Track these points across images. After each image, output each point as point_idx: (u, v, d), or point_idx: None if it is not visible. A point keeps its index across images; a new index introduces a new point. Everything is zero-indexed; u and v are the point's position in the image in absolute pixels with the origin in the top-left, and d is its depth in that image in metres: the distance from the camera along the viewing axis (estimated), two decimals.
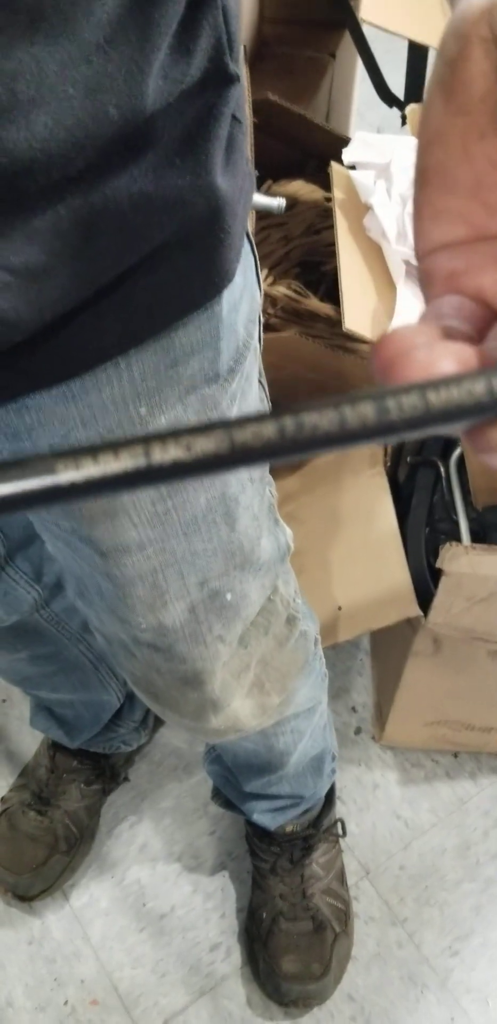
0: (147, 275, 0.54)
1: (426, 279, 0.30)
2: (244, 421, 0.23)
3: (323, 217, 1.24)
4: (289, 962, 1.12)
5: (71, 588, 0.79)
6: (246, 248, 0.62)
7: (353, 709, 1.36)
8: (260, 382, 0.71)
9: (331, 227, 1.03)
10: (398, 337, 0.25)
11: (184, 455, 0.23)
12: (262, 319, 0.71)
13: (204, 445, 0.23)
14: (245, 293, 0.63)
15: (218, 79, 0.51)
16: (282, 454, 0.23)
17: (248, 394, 0.67)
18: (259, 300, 0.67)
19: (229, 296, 0.60)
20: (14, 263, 0.47)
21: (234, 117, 0.55)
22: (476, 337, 0.28)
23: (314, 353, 1.07)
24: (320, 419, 0.23)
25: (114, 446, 0.23)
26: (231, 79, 0.52)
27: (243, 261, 0.61)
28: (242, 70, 0.56)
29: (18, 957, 1.18)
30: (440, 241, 0.30)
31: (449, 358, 0.24)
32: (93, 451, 0.23)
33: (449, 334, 0.27)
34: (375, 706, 1.35)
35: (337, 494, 1.17)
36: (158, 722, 1.30)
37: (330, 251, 1.06)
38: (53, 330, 0.53)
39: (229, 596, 0.74)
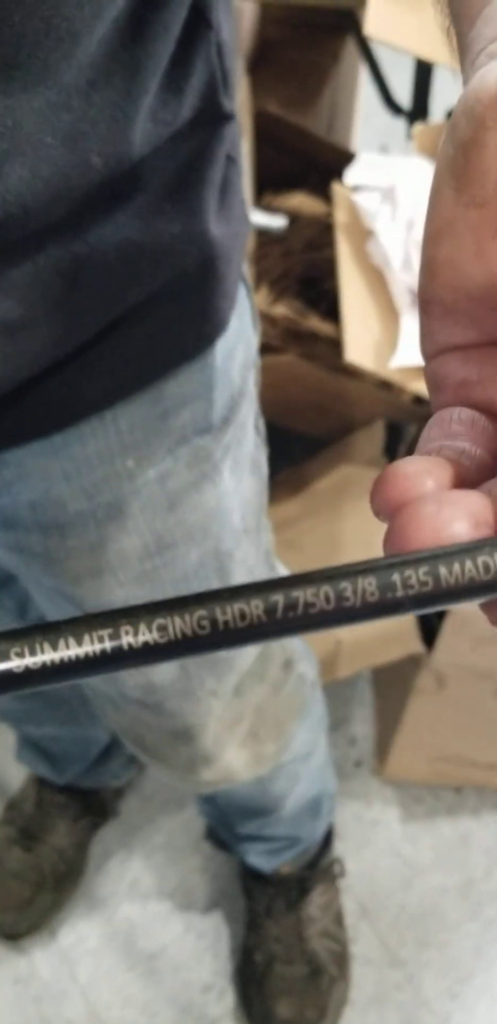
0: (135, 327, 0.50)
1: (434, 383, 0.27)
2: (228, 596, 0.20)
3: (324, 233, 1.20)
4: (284, 1007, 1.09)
5: None
6: (242, 292, 0.58)
7: (353, 741, 1.32)
8: (256, 427, 0.67)
9: (332, 244, 0.99)
10: (403, 478, 0.22)
11: (157, 638, 0.20)
12: (259, 343, 0.67)
13: (181, 627, 0.20)
14: (240, 339, 0.59)
15: (212, 118, 0.48)
16: (270, 635, 0.20)
17: (243, 443, 0.63)
18: (255, 344, 0.63)
19: (223, 344, 0.56)
20: None
21: (229, 157, 0.51)
22: (491, 461, 0.25)
23: (314, 376, 1.04)
24: (315, 596, 0.20)
25: (76, 629, 0.20)
26: (226, 117, 0.48)
27: (238, 306, 0.57)
28: (237, 105, 0.52)
29: (4, 996, 1.14)
30: (449, 343, 0.27)
31: (461, 519, 0.21)
32: (52, 633, 0.20)
33: (461, 465, 0.24)
34: (376, 739, 1.31)
35: (338, 521, 1.13)
36: None
37: (331, 269, 1.02)
38: (33, 384, 0.49)
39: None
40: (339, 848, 1.21)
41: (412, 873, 1.23)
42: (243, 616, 0.20)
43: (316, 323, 1.09)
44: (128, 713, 0.72)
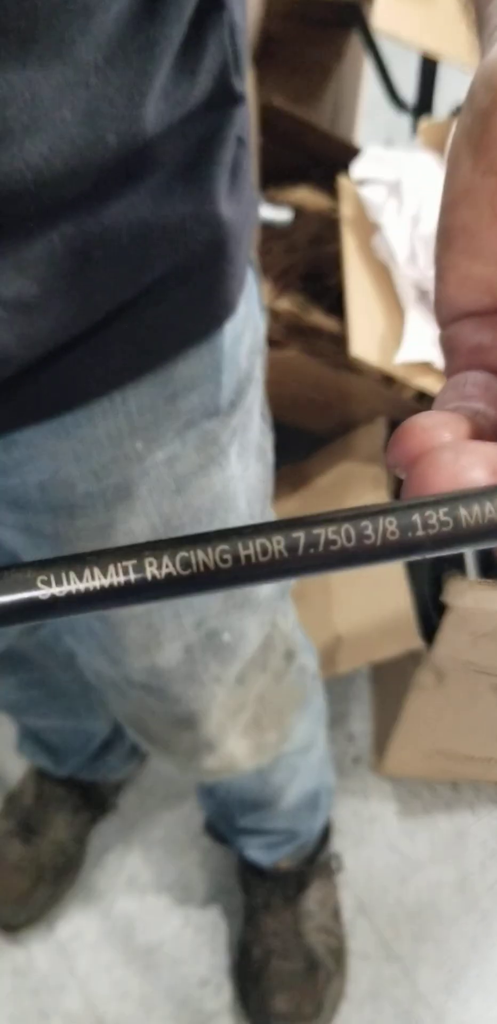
0: (146, 307, 0.50)
1: (449, 349, 0.28)
2: (251, 533, 0.20)
3: (329, 228, 1.20)
4: (281, 1001, 1.08)
5: (61, 622, 0.75)
6: (250, 276, 0.58)
7: (351, 737, 1.32)
8: (262, 414, 0.67)
9: (337, 239, 0.99)
10: (420, 430, 0.23)
11: (181, 572, 0.20)
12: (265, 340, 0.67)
13: (203, 559, 0.20)
14: (248, 323, 0.59)
15: (223, 100, 0.48)
16: (292, 572, 0.20)
17: (249, 428, 0.63)
18: (262, 329, 0.63)
19: (232, 328, 0.56)
20: (5, 295, 0.44)
21: (239, 139, 0.51)
22: None
23: (316, 372, 1.04)
24: (336, 534, 0.20)
25: (102, 560, 0.20)
26: (237, 99, 0.49)
27: (246, 290, 0.57)
28: (248, 87, 0.52)
29: (2, 988, 1.14)
30: (465, 309, 0.27)
31: (480, 466, 0.21)
32: (78, 563, 0.20)
33: (476, 423, 0.24)
34: (374, 735, 1.31)
35: None
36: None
37: (335, 264, 1.02)
38: (45, 363, 0.49)
39: (227, 636, 0.70)
40: (337, 843, 1.21)
41: (409, 868, 1.23)
42: (265, 551, 0.20)
43: (319, 318, 1.09)
44: (132, 698, 0.73)
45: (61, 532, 0.57)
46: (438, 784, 1.29)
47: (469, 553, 1.09)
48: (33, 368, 0.49)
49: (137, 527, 0.58)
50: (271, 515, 0.74)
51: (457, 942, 1.18)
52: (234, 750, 0.80)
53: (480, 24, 0.29)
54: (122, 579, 0.20)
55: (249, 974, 1.11)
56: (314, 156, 1.20)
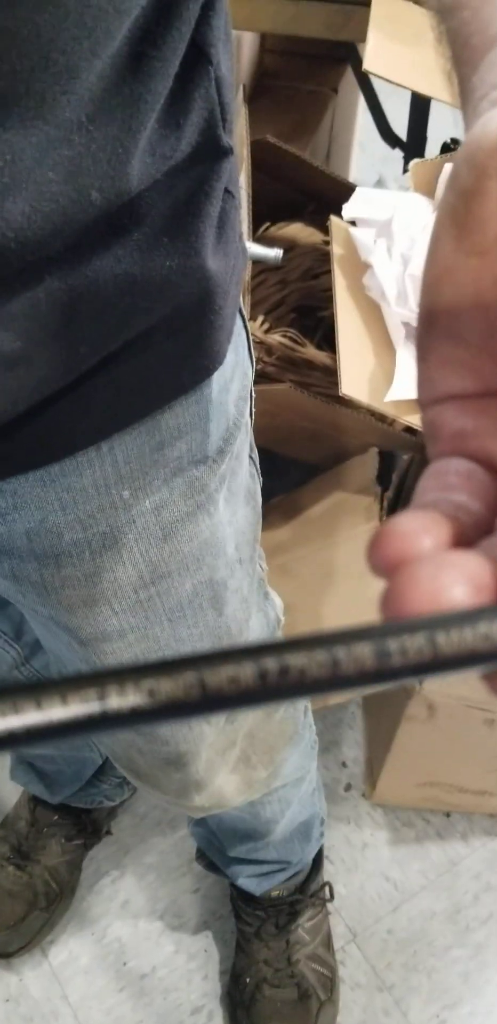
0: (132, 360, 0.51)
1: (431, 432, 0.27)
2: (219, 660, 0.20)
3: (321, 262, 1.21)
4: None
5: (51, 661, 0.76)
6: (238, 324, 0.59)
7: (343, 764, 1.32)
8: (251, 458, 0.68)
9: (329, 272, 1.00)
10: (400, 536, 0.22)
11: (145, 702, 0.20)
12: (255, 370, 0.68)
13: (170, 689, 0.20)
14: (236, 371, 0.59)
15: (210, 153, 0.48)
16: (261, 701, 0.20)
17: (238, 473, 0.64)
18: (251, 376, 0.64)
19: (220, 377, 0.56)
20: None
21: (227, 191, 0.51)
22: (488, 515, 0.24)
23: (308, 404, 1.04)
24: (308, 662, 0.19)
25: (62, 689, 0.19)
26: (224, 152, 0.49)
27: (235, 339, 0.57)
28: (235, 139, 0.53)
29: None
30: (447, 392, 0.26)
31: (461, 583, 0.20)
32: (37, 693, 0.19)
33: (458, 521, 0.23)
34: (366, 762, 1.31)
35: (331, 548, 1.14)
36: None
37: (327, 296, 1.03)
38: (30, 416, 0.50)
39: None
40: (329, 871, 1.21)
41: (401, 897, 1.23)
42: (234, 681, 0.19)
43: (311, 351, 1.10)
44: (121, 739, 0.73)
45: (47, 580, 0.58)
46: (430, 814, 1.29)
47: None
48: (19, 420, 0.49)
49: (124, 575, 0.59)
50: (260, 556, 0.74)
51: (449, 975, 1.18)
52: (223, 787, 0.80)
53: (464, 96, 0.29)
54: (83, 711, 0.19)
55: (241, 1002, 1.11)
56: (307, 191, 1.21)
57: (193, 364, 0.54)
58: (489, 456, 0.25)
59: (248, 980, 1.11)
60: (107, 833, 1.26)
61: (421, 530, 0.22)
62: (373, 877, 1.24)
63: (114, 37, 0.38)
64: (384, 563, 0.22)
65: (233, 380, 0.59)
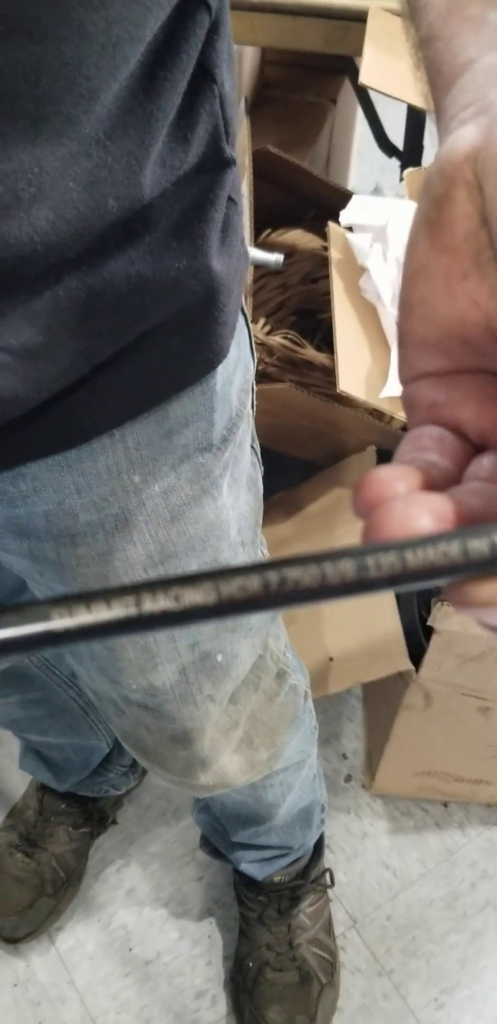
0: (143, 353, 0.55)
1: (409, 405, 0.31)
2: (231, 573, 0.24)
3: (320, 266, 1.25)
4: (274, 1013, 1.12)
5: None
6: (240, 322, 0.63)
7: (344, 756, 1.36)
8: (252, 447, 0.72)
9: (328, 277, 1.04)
10: (378, 483, 0.26)
11: (173, 606, 0.24)
12: (257, 371, 0.72)
13: (192, 597, 0.24)
14: (239, 365, 0.63)
15: (215, 164, 0.52)
16: (265, 607, 0.24)
17: (240, 460, 0.68)
18: (252, 370, 0.68)
19: (223, 370, 0.60)
20: (13, 344, 0.48)
21: (230, 199, 0.55)
22: (455, 471, 0.28)
23: (308, 404, 1.08)
24: (302, 574, 0.24)
25: (106, 595, 0.24)
26: (227, 163, 0.53)
27: (237, 335, 0.61)
28: (238, 149, 0.57)
29: (2, 999, 1.18)
30: (422, 371, 0.30)
31: (426, 515, 0.24)
32: (86, 599, 0.24)
33: (429, 473, 0.27)
34: (366, 753, 1.35)
35: (330, 543, 1.18)
36: None
37: (327, 300, 1.07)
38: (50, 404, 0.54)
39: (220, 657, 0.74)
40: (329, 859, 1.25)
41: (400, 885, 1.26)
42: (243, 589, 0.23)
43: (311, 353, 1.14)
44: (130, 716, 0.76)
45: (64, 558, 0.62)
46: (429, 803, 1.32)
47: None
48: (39, 408, 0.53)
49: (134, 554, 0.62)
50: (262, 542, 0.78)
51: (447, 960, 1.21)
52: (227, 767, 0.83)
53: (437, 116, 0.33)
54: (123, 613, 0.23)
55: (244, 986, 1.14)
56: (307, 199, 1.25)
57: (199, 357, 0.58)
58: (458, 423, 0.29)
59: (251, 964, 1.14)
60: (113, 823, 1.29)
61: (396, 478, 0.26)
62: (373, 865, 1.28)
63: (130, 62, 0.42)
64: (365, 505, 0.26)
65: (236, 373, 0.63)
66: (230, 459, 0.65)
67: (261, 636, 0.79)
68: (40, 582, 0.68)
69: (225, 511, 0.66)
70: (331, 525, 1.17)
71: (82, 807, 1.23)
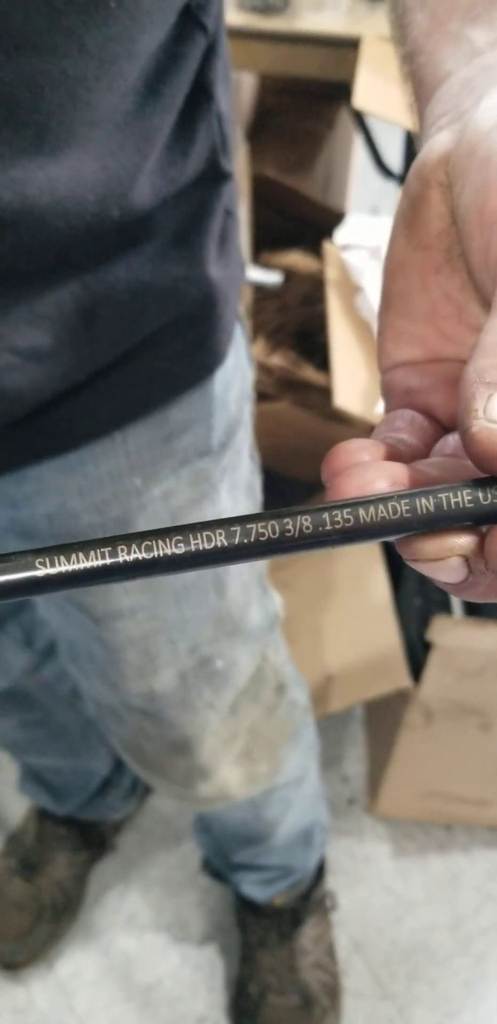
0: (144, 357, 0.56)
1: (386, 392, 0.33)
2: (200, 527, 0.26)
3: (318, 288, 1.27)
4: None
5: (63, 652, 0.80)
6: (238, 330, 0.64)
7: (345, 779, 1.35)
8: (251, 456, 0.73)
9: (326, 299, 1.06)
10: (345, 452, 0.28)
11: (145, 556, 0.26)
12: (254, 393, 0.73)
13: (163, 548, 0.26)
14: (237, 372, 0.65)
15: (212, 178, 0.55)
16: (230, 558, 0.26)
17: (239, 467, 0.69)
18: (250, 378, 0.69)
19: (221, 376, 0.62)
20: (20, 346, 0.50)
21: (227, 211, 0.58)
22: (423, 449, 0.30)
23: (306, 423, 1.09)
24: (265, 528, 0.26)
25: (84, 546, 0.25)
26: (225, 177, 0.55)
27: (235, 343, 0.63)
28: (235, 166, 0.59)
29: None
30: (399, 360, 0.33)
31: (383, 480, 0.26)
32: (67, 550, 0.25)
33: (396, 448, 0.29)
34: (368, 776, 1.34)
35: (330, 562, 1.18)
36: (147, 790, 1.29)
37: (325, 322, 1.08)
38: (53, 406, 0.55)
39: (219, 663, 0.74)
40: (332, 883, 1.24)
41: (403, 909, 1.25)
42: (209, 540, 0.25)
43: (309, 373, 1.15)
44: (130, 724, 0.77)
45: None
46: (432, 826, 1.32)
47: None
48: (42, 410, 0.55)
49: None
50: None
51: (451, 984, 1.20)
52: (227, 779, 0.83)
53: (420, 123, 0.35)
54: (99, 562, 0.25)
55: (246, 1011, 1.13)
56: (305, 222, 1.27)
57: (197, 362, 0.60)
58: (429, 407, 0.32)
59: (253, 989, 1.13)
60: (113, 847, 1.28)
61: (362, 448, 0.28)
62: (376, 889, 1.27)
63: (127, 76, 0.44)
64: (330, 472, 0.28)
65: (234, 380, 0.65)
66: (229, 464, 0.66)
67: (260, 644, 0.79)
68: None
69: (224, 515, 0.67)
70: None
71: (81, 832, 1.22)
